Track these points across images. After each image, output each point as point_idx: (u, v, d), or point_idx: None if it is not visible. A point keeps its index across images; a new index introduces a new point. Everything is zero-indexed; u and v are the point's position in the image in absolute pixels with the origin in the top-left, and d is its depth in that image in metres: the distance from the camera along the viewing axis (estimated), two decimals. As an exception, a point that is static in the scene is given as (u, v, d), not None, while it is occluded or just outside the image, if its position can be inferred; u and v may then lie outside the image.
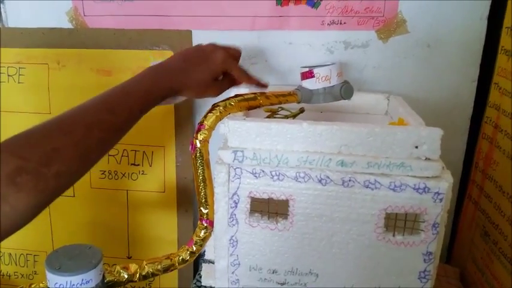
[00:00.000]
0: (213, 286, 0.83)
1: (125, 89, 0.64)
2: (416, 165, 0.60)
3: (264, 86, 0.78)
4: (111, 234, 1.09)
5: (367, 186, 0.61)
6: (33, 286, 0.64)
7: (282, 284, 0.69)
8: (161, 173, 1.04)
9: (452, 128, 0.93)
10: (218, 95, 0.75)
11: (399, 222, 0.63)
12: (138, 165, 1.04)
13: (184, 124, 1.01)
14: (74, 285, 0.60)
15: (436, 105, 0.93)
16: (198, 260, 1.07)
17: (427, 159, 0.60)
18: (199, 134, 0.65)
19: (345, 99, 0.75)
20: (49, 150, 0.50)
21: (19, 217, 0.47)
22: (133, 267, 0.67)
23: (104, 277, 0.64)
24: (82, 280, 0.60)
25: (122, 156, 1.04)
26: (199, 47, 0.76)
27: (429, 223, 0.61)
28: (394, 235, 0.63)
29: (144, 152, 1.03)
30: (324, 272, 0.67)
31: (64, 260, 0.61)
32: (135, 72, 0.99)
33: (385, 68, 0.93)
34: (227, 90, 0.77)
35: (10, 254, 1.15)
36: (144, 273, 0.67)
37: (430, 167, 0.60)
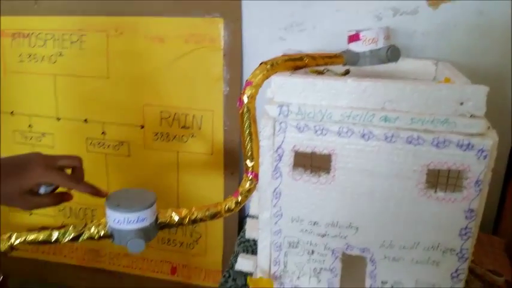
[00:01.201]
0: (256, 239, 0.88)
1: None
2: (460, 122, 0.60)
3: (102, 195, 0.72)
4: (161, 193, 1.14)
5: (410, 142, 0.62)
6: (94, 222, 0.70)
7: (323, 235, 0.72)
8: (210, 136, 1.09)
9: (502, 95, 0.91)
10: (29, 209, 0.71)
11: (441, 179, 0.64)
12: (189, 128, 1.10)
13: (233, 89, 1.05)
14: (130, 221, 0.66)
15: (485, 73, 0.91)
16: (242, 221, 1.12)
17: (472, 116, 0.60)
18: (246, 90, 0.69)
19: (391, 61, 0.76)
20: None
21: None
22: (184, 211, 0.72)
23: (157, 218, 0.70)
24: (138, 218, 0.66)
25: (174, 119, 1.10)
26: (21, 156, 0.71)
27: (472, 180, 0.62)
28: (435, 191, 0.64)
29: (194, 115, 1.09)
30: (364, 226, 0.69)
31: (122, 199, 0.68)
32: (187, 39, 1.05)
33: (434, 35, 0.92)
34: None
35: (70, 208, 1.25)
36: (193, 218, 0.72)
37: (474, 124, 0.60)
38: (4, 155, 0.71)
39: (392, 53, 0.75)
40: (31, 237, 0.67)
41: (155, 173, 1.14)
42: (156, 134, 1.13)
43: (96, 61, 1.12)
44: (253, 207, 0.93)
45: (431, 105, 0.61)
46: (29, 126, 1.26)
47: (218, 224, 1.16)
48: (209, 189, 1.12)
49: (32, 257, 1.36)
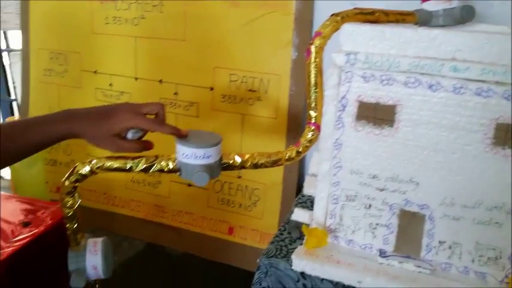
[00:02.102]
0: (313, 196, 0.90)
1: (30, 122, 0.73)
2: (536, 74, 0.58)
3: (182, 135, 0.74)
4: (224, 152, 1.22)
5: (479, 94, 0.61)
6: (164, 156, 0.75)
7: (381, 189, 0.72)
8: (275, 100, 1.12)
9: None
10: (115, 151, 0.75)
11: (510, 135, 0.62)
12: (255, 91, 1.13)
13: (301, 54, 1.07)
14: (197, 156, 0.70)
15: None
16: (300, 188, 1.14)
17: (549, 68, 0.58)
18: (315, 41, 0.71)
19: (465, 21, 0.74)
20: None
21: None
22: (247, 155, 0.76)
23: (221, 158, 0.74)
24: (204, 154, 0.70)
25: (241, 82, 1.14)
26: (111, 105, 0.78)
27: (544, 137, 0.60)
28: (503, 148, 0.62)
29: (261, 79, 1.12)
30: (425, 181, 0.69)
31: (192, 137, 0.72)
32: (261, 4, 1.08)
33: (515, 3, 0.88)
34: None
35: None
36: (255, 162, 0.75)
37: (551, 76, 0.58)
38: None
39: (467, 12, 0.73)
40: (108, 163, 0.74)
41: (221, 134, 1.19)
42: (223, 96, 1.18)
43: (174, 24, 1.19)
44: (312, 166, 0.95)
45: (504, 56, 0.59)
46: (110, 85, 1.36)
47: (276, 189, 1.19)
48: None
49: (102, 208, 1.48)
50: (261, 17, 1.09)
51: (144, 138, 0.77)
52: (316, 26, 1.05)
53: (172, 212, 1.37)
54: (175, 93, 1.26)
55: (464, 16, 0.74)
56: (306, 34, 1.06)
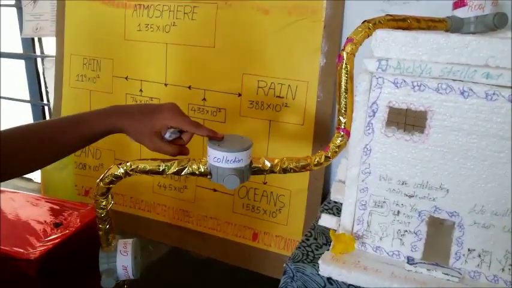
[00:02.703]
0: (340, 202, 0.90)
1: (81, 117, 0.77)
2: None
3: (218, 137, 0.76)
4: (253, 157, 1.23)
5: (511, 101, 0.61)
6: (196, 159, 0.77)
7: (410, 196, 0.72)
8: (302, 106, 1.13)
9: None
10: (153, 150, 0.78)
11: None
12: (283, 97, 1.15)
13: (330, 61, 1.08)
14: (228, 160, 0.72)
15: None
16: (325, 196, 1.14)
17: None
18: (346, 47, 0.71)
19: (498, 28, 0.74)
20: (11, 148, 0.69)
21: None
22: (276, 160, 0.77)
23: (251, 162, 0.75)
24: (235, 158, 0.72)
25: (269, 88, 1.16)
26: (157, 103, 0.82)
27: None
28: (536, 155, 0.62)
29: (289, 85, 1.14)
30: (455, 188, 0.68)
31: (222, 141, 0.74)
32: (291, 11, 1.10)
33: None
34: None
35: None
36: (284, 166, 0.76)
37: None
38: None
39: (500, 20, 0.73)
40: (142, 165, 0.76)
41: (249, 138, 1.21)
42: (251, 102, 1.20)
43: (205, 31, 1.22)
44: (340, 173, 0.95)
45: (540, 62, 0.59)
46: (140, 90, 1.39)
47: (302, 196, 1.20)
48: (297, 159, 1.16)
49: (128, 212, 1.50)
50: (291, 24, 1.10)
51: None
52: (345, 34, 1.07)
53: (197, 217, 1.39)
54: (204, 99, 1.28)
55: (497, 23, 0.74)
56: (334, 41, 1.07)
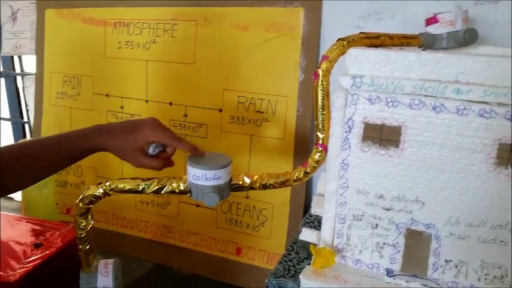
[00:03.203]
0: (320, 216, 0.91)
1: (65, 136, 0.78)
2: (536, 96, 0.60)
3: (199, 153, 0.78)
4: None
5: (481, 115, 0.63)
6: (176, 177, 0.77)
7: (388, 209, 0.73)
8: (282, 121, 1.14)
9: None
10: (137, 166, 0.79)
11: (513, 155, 0.64)
12: (263, 112, 1.16)
13: (308, 76, 1.09)
14: (207, 178, 0.72)
15: None
16: (307, 209, 1.15)
17: (548, 90, 0.60)
18: (322, 64, 0.73)
19: (468, 44, 0.77)
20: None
21: None
22: (255, 176, 0.77)
23: (231, 179, 0.76)
24: (214, 175, 0.72)
25: (250, 103, 1.17)
26: (139, 119, 0.82)
27: (546, 157, 0.61)
28: (506, 167, 0.64)
29: (269, 100, 1.15)
30: (431, 201, 0.70)
31: (201, 159, 0.75)
32: (268, 28, 1.12)
33: (517, 26, 0.91)
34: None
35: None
36: (263, 183, 0.77)
37: (551, 98, 0.59)
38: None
39: (470, 35, 0.76)
40: (121, 185, 0.76)
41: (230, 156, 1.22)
42: (232, 118, 1.21)
43: (185, 48, 1.23)
44: (319, 186, 0.96)
45: (506, 78, 0.61)
46: (121, 107, 1.39)
47: (284, 209, 1.20)
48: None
49: (110, 229, 1.49)
50: (269, 40, 1.12)
51: None
52: (323, 49, 1.09)
53: (180, 233, 1.38)
54: (185, 115, 1.29)
55: (467, 39, 0.77)
56: (312, 57, 1.09)
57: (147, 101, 1.34)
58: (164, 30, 1.25)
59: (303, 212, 1.18)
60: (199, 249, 1.35)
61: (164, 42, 1.26)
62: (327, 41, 1.07)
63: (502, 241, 0.66)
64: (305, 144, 1.13)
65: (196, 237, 1.36)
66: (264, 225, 1.24)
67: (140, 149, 0.78)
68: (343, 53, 0.73)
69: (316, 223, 0.99)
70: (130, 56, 1.34)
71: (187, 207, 1.36)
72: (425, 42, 0.78)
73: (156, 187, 0.76)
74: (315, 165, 0.78)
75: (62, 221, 1.48)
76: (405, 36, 0.77)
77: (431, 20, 0.79)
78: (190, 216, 1.35)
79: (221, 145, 1.23)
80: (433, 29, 0.78)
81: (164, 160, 0.81)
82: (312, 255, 0.81)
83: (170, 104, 1.31)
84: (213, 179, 0.73)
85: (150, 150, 0.79)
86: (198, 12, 1.19)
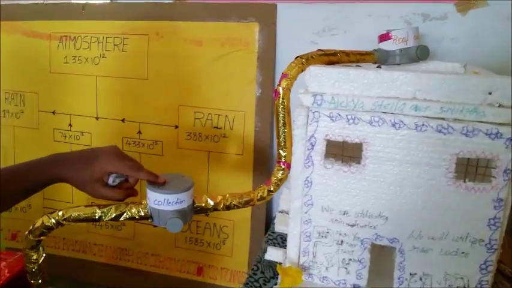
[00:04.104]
0: (284, 233, 0.90)
1: (20, 168, 0.74)
2: (489, 111, 0.62)
3: (160, 182, 0.72)
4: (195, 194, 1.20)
5: (439, 131, 0.65)
6: (135, 203, 0.73)
7: (352, 225, 0.74)
8: (241, 136, 1.13)
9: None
10: (97, 198, 0.76)
11: (470, 169, 0.66)
12: (221, 128, 1.14)
13: (265, 91, 1.09)
14: (169, 202, 0.69)
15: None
16: (269, 225, 1.14)
17: (500, 105, 0.62)
18: (282, 82, 0.72)
19: (420, 59, 0.79)
20: None
21: None
22: (219, 198, 0.75)
23: (194, 202, 0.73)
24: (177, 199, 0.69)
25: (207, 119, 1.15)
26: (97, 148, 0.79)
27: (501, 169, 0.63)
28: (465, 181, 0.66)
29: (226, 116, 1.13)
30: (393, 216, 0.71)
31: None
32: (223, 43, 1.11)
33: (463, 41, 0.95)
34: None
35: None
36: (227, 204, 0.75)
37: (503, 113, 0.62)
38: (43, 153, 0.77)
39: (422, 52, 0.78)
40: (76, 213, 0.71)
41: (186, 173, 1.18)
42: (189, 134, 1.18)
43: (137, 63, 1.19)
44: (282, 203, 0.96)
45: (461, 94, 0.63)
46: (69, 125, 1.32)
47: (245, 226, 1.19)
48: (238, 189, 1.14)
49: (62, 254, 1.41)
50: (225, 55, 1.11)
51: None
52: (279, 64, 1.09)
53: (137, 255, 1.33)
54: (139, 132, 1.24)
55: (419, 55, 0.79)
56: (269, 72, 1.09)
57: (97, 118, 1.28)
58: (114, 45, 1.20)
59: (265, 228, 1.17)
60: (158, 271, 1.30)
61: (114, 57, 1.21)
62: (283, 55, 1.07)
63: (463, 252, 0.68)
64: (264, 159, 1.12)
65: (154, 259, 1.31)
66: (225, 243, 1.22)
67: (99, 179, 0.74)
68: (302, 70, 0.73)
69: (279, 240, 0.98)
70: (78, 71, 1.28)
71: (144, 227, 1.31)
72: (380, 59, 0.80)
73: (114, 214, 0.72)
74: (278, 183, 0.77)
75: (8, 249, 1.39)
76: (360, 53, 0.79)
77: (384, 37, 0.80)
78: (148, 236, 1.30)
79: (178, 162, 1.20)
80: (386, 46, 0.80)
81: (126, 190, 0.77)
82: (278, 275, 0.80)
83: (123, 120, 1.26)
84: (176, 203, 0.70)
85: (110, 181, 0.75)
86: (150, 26, 1.16)
